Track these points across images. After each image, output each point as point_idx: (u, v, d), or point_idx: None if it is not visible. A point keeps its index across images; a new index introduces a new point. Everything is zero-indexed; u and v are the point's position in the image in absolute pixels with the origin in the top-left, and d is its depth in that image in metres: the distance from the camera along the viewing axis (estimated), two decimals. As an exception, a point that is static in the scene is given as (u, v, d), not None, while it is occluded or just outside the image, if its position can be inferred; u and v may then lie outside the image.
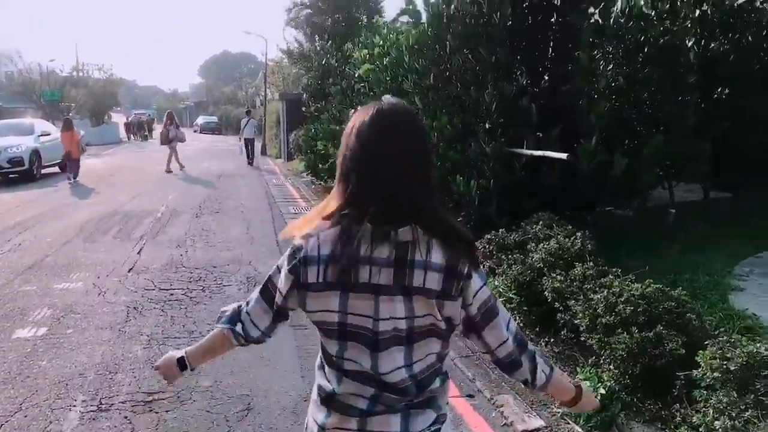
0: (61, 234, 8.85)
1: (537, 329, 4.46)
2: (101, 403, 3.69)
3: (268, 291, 1.56)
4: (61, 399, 3.75)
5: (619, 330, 3.39)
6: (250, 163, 21.19)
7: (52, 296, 5.86)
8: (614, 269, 4.13)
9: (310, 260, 1.40)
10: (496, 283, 4.72)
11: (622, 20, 6.15)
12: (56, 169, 19.22)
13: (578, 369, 3.82)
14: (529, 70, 5.93)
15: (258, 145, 24.45)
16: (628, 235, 6.20)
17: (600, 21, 6.03)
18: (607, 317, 3.49)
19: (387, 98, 1.47)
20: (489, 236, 5.18)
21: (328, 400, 1.46)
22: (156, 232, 8.98)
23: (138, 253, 7.65)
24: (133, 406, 3.67)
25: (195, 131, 54.60)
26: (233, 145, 29.45)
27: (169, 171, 18.14)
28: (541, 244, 4.62)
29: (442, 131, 6.32)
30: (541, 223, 5.03)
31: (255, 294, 1.60)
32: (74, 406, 3.67)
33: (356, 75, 10.78)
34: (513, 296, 4.45)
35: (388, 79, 8.20)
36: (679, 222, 6.49)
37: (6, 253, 7.65)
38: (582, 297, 3.81)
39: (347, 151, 1.40)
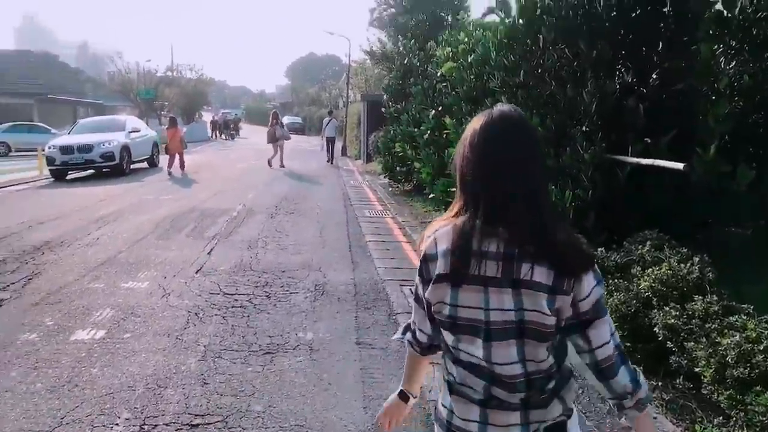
0: (138, 230, 8.87)
1: (642, 370, 3.76)
2: (144, 423, 3.37)
3: (417, 295, 1.60)
4: (104, 415, 3.47)
5: (758, 387, 2.69)
6: (330, 162, 21.73)
7: (118, 296, 5.71)
8: (745, 306, 3.39)
9: (429, 257, 1.50)
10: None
11: (749, 10, 5.29)
12: (144, 164, 19.93)
13: (697, 427, 3.12)
14: (636, 67, 5.19)
15: (338, 146, 25.25)
16: (747, 259, 5.31)
17: (723, 11, 5.20)
18: (741, 369, 2.79)
19: (499, 106, 1.52)
20: (584, 255, 4.51)
21: (450, 386, 1.55)
22: (229, 232, 8.83)
23: (208, 253, 7.48)
24: (176, 430, 3.32)
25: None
26: (315, 146, 29.68)
27: (273, 166, 19.02)
28: (650, 269, 3.92)
29: (531, 134, 5.69)
30: (648, 243, 4.31)
31: (413, 300, 1.66)
32: (116, 424, 3.37)
33: (438, 74, 10.25)
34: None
35: (472, 77, 7.62)
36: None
37: (83, 248, 7.69)
38: (705, 339, 3.11)
39: (462, 159, 1.48)
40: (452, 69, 8.39)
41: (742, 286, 4.27)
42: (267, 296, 5.76)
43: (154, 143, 20.81)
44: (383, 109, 15.35)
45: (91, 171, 17.51)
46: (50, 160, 16.78)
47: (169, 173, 17.17)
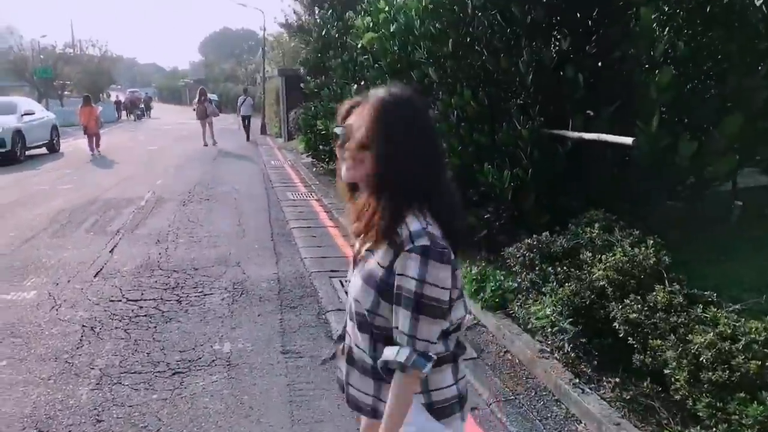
0: (29, 227, 7.84)
1: (597, 364, 3.43)
2: (17, 485, 2.71)
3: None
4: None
5: (742, 393, 2.37)
6: (248, 139, 21.75)
7: (-5, 311, 4.87)
8: (707, 293, 3.10)
9: (455, 266, 1.45)
10: (544, 309, 3.68)
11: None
12: (43, 150, 18.21)
13: (666, 431, 2.81)
14: (573, 33, 4.83)
15: (257, 124, 25.12)
16: (690, 235, 5.14)
17: (658, -28, 4.91)
18: (719, 372, 2.47)
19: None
20: (530, 241, 4.14)
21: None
22: (136, 225, 7.96)
23: (111, 251, 6.64)
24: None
25: (194, 110, 53.32)
26: (232, 124, 28.40)
27: (205, 144, 19.12)
28: (602, 256, 3.58)
29: (464, 109, 5.25)
30: (597, 225, 3.98)
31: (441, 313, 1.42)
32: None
33: (359, 46, 9.64)
34: (568, 327, 3.42)
35: (395, 48, 7.08)
36: (748, 217, 5.43)
37: (-42, 252, 6.66)
38: (672, 336, 2.78)
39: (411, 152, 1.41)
40: (373, 40, 7.82)
41: (693, 268, 4.03)
42: (177, 300, 5.08)
43: (53, 126, 18.99)
44: (302, 85, 14.57)
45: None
46: (-74, 150, 14.94)
47: (93, 155, 16.90)
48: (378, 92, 1.44)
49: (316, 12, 17.88)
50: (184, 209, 9.03)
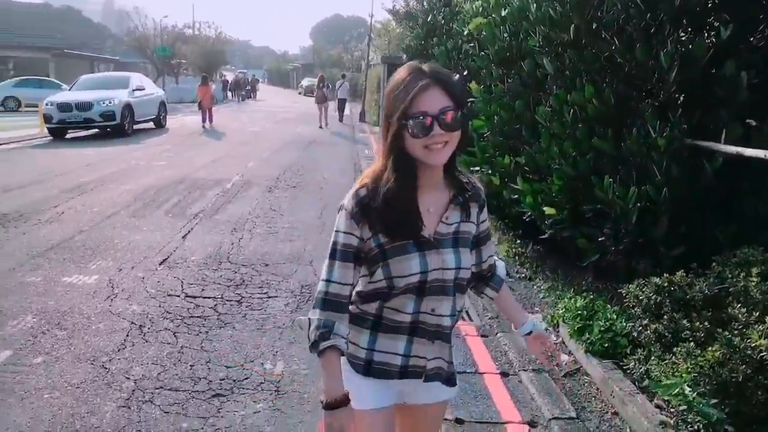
0: (113, 203, 7.75)
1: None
2: None
3: None
4: None
5: None
6: (341, 120, 23.67)
7: (51, 295, 4.59)
8: None
9: None
10: (677, 381, 2.78)
11: None
12: (150, 125, 18.82)
13: None
14: (737, 19, 3.81)
15: (351, 110, 26.48)
16: None
17: None
18: None
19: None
20: (658, 280, 3.24)
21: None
22: (216, 209, 7.66)
23: (184, 236, 6.33)
24: None
25: (299, 93, 54.41)
26: (333, 110, 28.34)
27: (320, 127, 20.45)
28: (762, 314, 2.65)
29: (583, 107, 4.35)
30: (754, 269, 3.02)
31: None
32: None
33: (465, 32, 8.84)
34: (712, 411, 2.53)
35: (506, 35, 6.24)
36: None
37: (39, 225, 6.59)
38: None
39: None
40: (481, 25, 6.98)
41: None
42: (238, 301, 4.61)
43: (161, 102, 19.62)
44: (403, 73, 13.93)
45: (96, 130, 16.42)
46: (48, 118, 15.72)
47: (204, 127, 18.97)
48: (432, 67, 1.49)
49: (425, -3, 17.16)
50: (268, 195, 8.68)
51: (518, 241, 6.22)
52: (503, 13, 6.37)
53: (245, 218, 7.25)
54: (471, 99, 7.21)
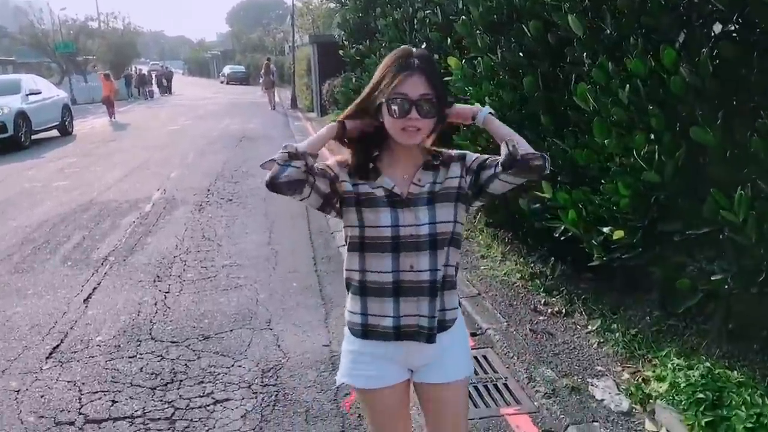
0: (-9, 252, 5.86)
1: None
2: None
3: None
4: None
5: None
6: (273, 108, 22.77)
7: None
8: None
9: None
10: None
11: None
12: (54, 132, 16.39)
13: None
14: None
15: (280, 96, 25.25)
16: None
17: None
18: None
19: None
20: None
21: None
22: (132, 247, 5.90)
23: (86, 300, 4.59)
24: None
25: (221, 82, 51.44)
26: (261, 97, 26.31)
27: (273, 108, 22.49)
28: None
29: (662, 82, 2.94)
30: None
31: None
32: None
33: (421, -3, 7.33)
34: None
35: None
36: None
37: None
38: None
39: None
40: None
41: None
42: (169, 420, 2.99)
43: (64, 106, 17.14)
44: (341, 52, 12.26)
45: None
46: None
47: (112, 120, 19.87)
48: (413, 50, 1.57)
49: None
50: (199, 217, 6.95)
51: (532, 256, 4.84)
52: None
53: (171, 257, 5.54)
54: (447, 78, 5.68)
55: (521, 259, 4.99)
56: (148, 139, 14.86)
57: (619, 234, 3.13)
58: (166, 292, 4.68)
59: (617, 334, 3.61)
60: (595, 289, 4.20)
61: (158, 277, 5.04)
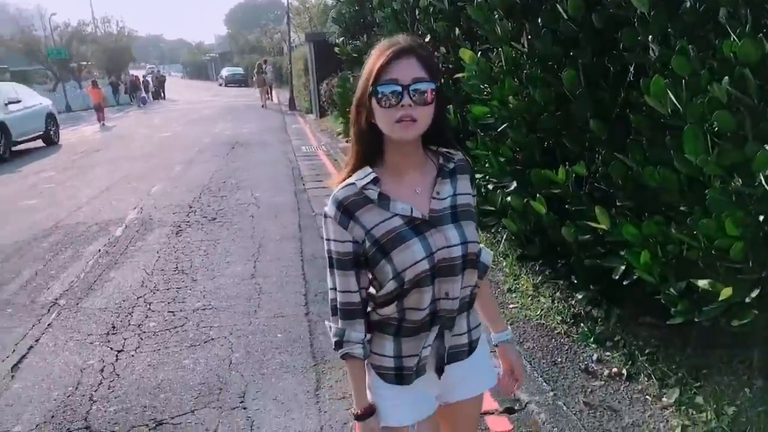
0: None
1: None
2: None
3: None
4: None
5: None
6: (263, 106, 23.89)
7: None
8: None
9: None
10: None
11: None
12: (39, 143, 15.56)
13: None
14: None
15: (279, 97, 25.86)
16: None
17: None
18: None
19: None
20: None
21: None
22: (90, 285, 4.96)
23: (14, 367, 3.64)
24: None
25: (220, 84, 50.59)
26: (258, 100, 25.38)
27: (263, 106, 23.88)
28: None
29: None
30: None
31: None
32: None
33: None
34: None
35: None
36: None
37: None
38: None
39: None
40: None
41: None
42: None
43: (48, 114, 16.27)
44: (336, 49, 11.31)
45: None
46: None
47: (102, 125, 20.29)
48: (405, 39, 1.34)
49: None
50: (176, 243, 6.02)
51: (570, 289, 3.88)
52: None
53: (134, 298, 4.60)
54: (458, 75, 4.73)
55: (558, 294, 4.04)
56: (135, 148, 13.94)
57: (727, 293, 2.16)
58: (119, 351, 3.74)
59: (707, 414, 2.66)
60: (662, 341, 3.25)
61: (113, 327, 4.10)
